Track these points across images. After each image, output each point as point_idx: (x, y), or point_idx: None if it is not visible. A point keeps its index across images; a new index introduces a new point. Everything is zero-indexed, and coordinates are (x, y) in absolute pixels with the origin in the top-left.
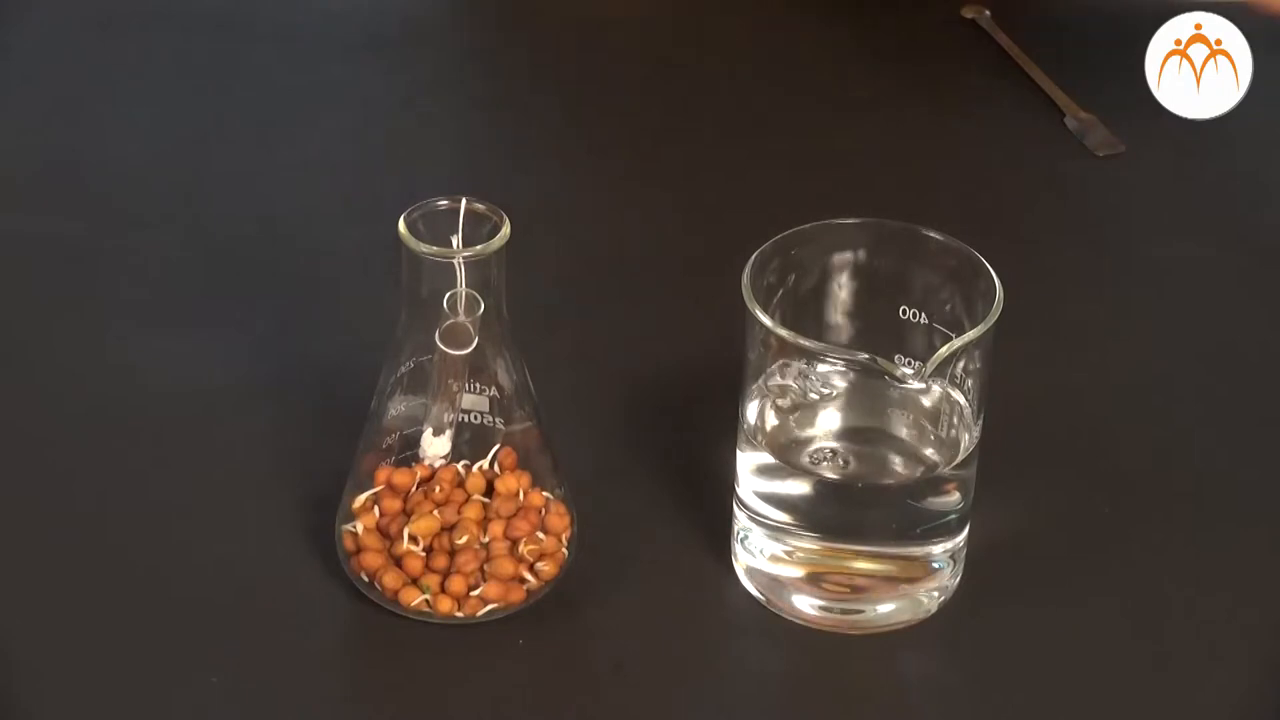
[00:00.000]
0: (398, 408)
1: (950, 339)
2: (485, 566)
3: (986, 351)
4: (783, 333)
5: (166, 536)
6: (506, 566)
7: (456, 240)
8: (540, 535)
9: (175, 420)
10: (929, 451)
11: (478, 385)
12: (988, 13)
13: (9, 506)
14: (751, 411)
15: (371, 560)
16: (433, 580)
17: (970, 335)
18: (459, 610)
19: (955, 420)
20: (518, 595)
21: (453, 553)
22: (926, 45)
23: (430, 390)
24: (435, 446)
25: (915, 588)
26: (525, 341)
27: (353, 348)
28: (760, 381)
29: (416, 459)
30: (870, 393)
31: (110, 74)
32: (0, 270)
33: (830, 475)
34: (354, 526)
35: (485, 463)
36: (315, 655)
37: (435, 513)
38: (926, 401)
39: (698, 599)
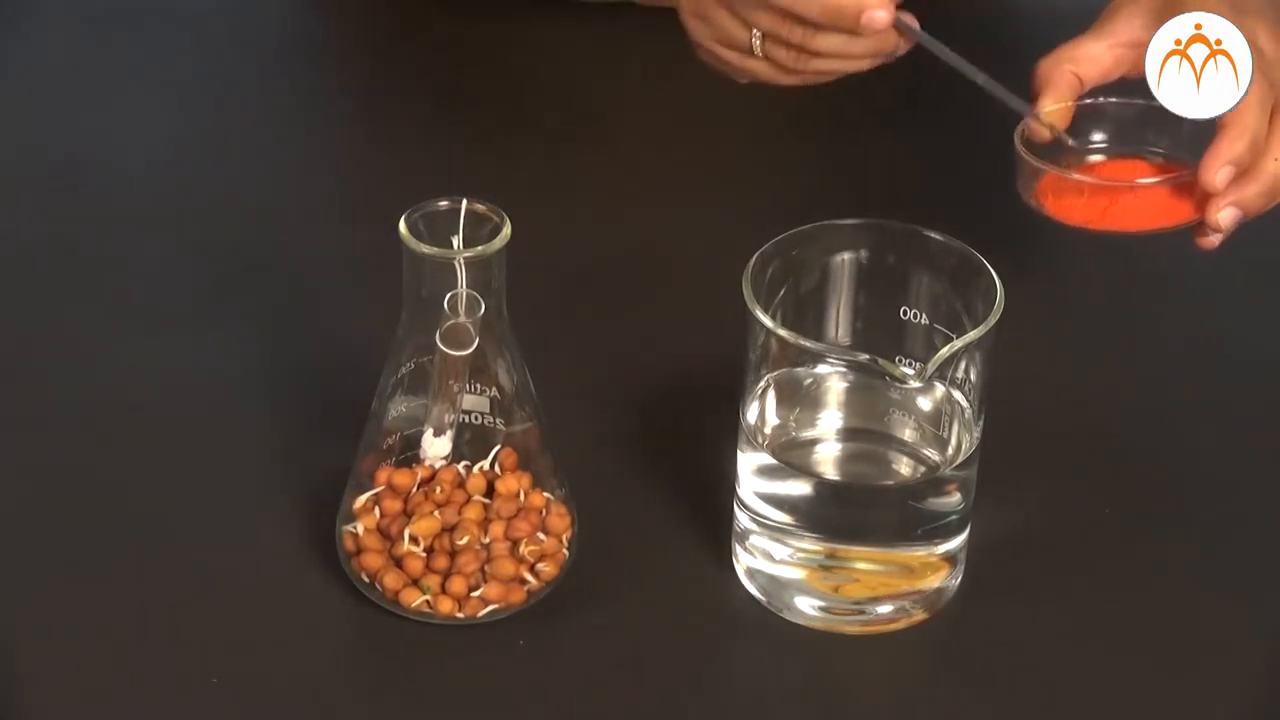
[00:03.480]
0: (398, 408)
1: (951, 339)
2: (486, 567)
3: (987, 352)
4: (783, 333)
5: (167, 537)
6: (507, 567)
7: (457, 241)
8: (541, 536)
9: (175, 420)
10: (929, 452)
11: (478, 386)
12: None
13: (9, 506)
14: (751, 412)
15: (372, 561)
16: (433, 581)
17: (971, 336)
18: (460, 611)
19: (956, 421)
20: (518, 596)
21: (453, 553)
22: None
23: (431, 391)
24: (436, 447)
25: (915, 588)
26: (525, 341)
27: (352, 348)
28: (760, 381)
29: (417, 460)
30: (871, 393)
31: (110, 74)
32: (0, 270)
33: (831, 476)
34: (354, 527)
35: (486, 463)
36: (316, 655)
37: (436, 513)
38: (927, 402)
39: (698, 599)
